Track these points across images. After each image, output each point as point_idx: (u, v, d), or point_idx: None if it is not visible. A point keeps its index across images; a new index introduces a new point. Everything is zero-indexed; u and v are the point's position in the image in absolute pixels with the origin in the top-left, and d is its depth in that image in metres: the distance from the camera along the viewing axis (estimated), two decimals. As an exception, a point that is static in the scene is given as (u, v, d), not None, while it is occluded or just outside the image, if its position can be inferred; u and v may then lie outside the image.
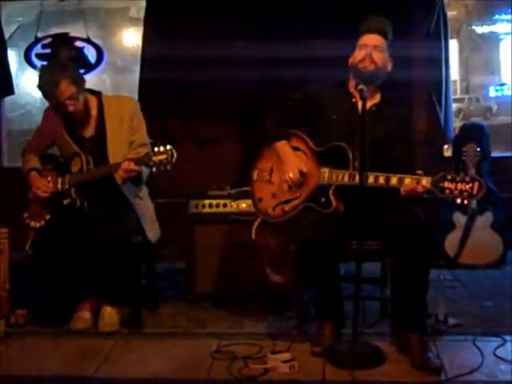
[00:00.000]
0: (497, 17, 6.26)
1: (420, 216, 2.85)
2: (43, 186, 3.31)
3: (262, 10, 4.62)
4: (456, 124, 5.35)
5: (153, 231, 3.41)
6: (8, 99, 5.24)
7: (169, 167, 3.01)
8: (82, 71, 3.78)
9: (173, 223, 3.48)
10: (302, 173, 2.99)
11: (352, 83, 2.99)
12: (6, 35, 5.00)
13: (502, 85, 6.74)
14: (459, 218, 4.35)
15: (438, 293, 3.44)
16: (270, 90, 4.46)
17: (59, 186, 3.30)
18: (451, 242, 4.34)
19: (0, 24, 4.93)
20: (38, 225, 3.31)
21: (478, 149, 4.40)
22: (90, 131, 3.34)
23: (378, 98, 3.03)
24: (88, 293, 3.30)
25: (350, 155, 2.88)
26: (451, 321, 3.14)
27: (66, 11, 5.20)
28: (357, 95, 2.91)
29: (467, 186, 2.59)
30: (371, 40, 2.95)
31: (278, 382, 2.64)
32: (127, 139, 3.31)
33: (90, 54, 5.08)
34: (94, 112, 3.34)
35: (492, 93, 7.06)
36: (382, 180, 2.78)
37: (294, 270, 3.06)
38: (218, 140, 4.89)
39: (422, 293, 2.84)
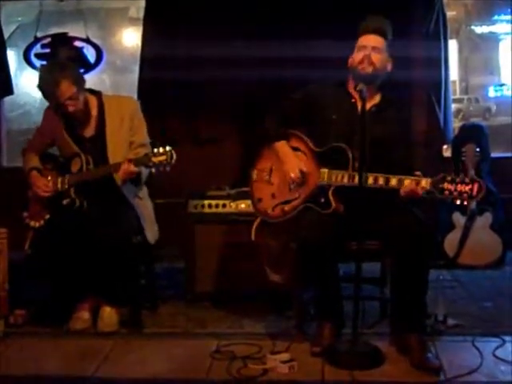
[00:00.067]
0: (496, 17, 6.26)
1: (419, 217, 2.85)
2: (44, 185, 3.31)
3: (261, 10, 4.62)
4: (455, 124, 5.35)
5: (152, 232, 3.41)
6: (7, 99, 5.24)
7: (168, 168, 3.01)
8: (81, 71, 3.78)
9: (172, 223, 3.48)
10: (302, 172, 2.99)
11: (351, 84, 2.99)
12: (6, 35, 4.99)
13: (502, 85, 6.75)
14: (459, 219, 4.35)
15: (438, 293, 3.44)
16: (270, 90, 4.46)
17: (59, 186, 3.30)
18: (450, 242, 4.35)
19: (0, 24, 4.93)
20: (37, 224, 3.31)
21: (478, 149, 4.40)
22: (90, 131, 3.34)
23: (377, 98, 3.03)
24: (87, 293, 3.29)
25: (350, 156, 2.88)
26: (450, 321, 3.14)
27: (66, 11, 5.20)
28: (356, 96, 2.92)
29: (467, 188, 2.59)
30: (370, 41, 2.95)
31: (277, 382, 2.65)
32: (127, 139, 3.31)
33: (90, 54, 5.08)
34: (94, 112, 3.34)
35: (491, 93, 7.06)
36: (381, 181, 2.78)
37: (293, 269, 3.06)
38: (217, 140, 4.89)
39: (422, 293, 2.85)
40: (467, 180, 2.61)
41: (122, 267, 3.19)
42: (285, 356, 2.75)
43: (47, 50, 5.07)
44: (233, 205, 3.62)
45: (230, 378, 2.66)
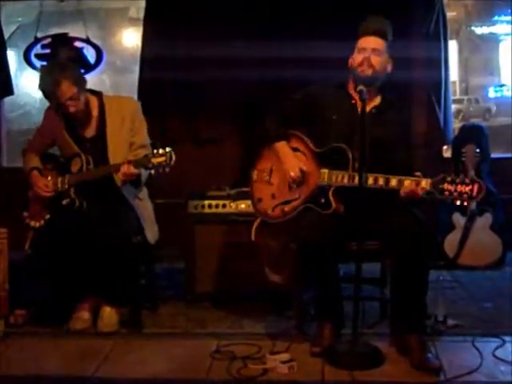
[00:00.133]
0: (496, 18, 6.25)
1: (419, 217, 2.85)
2: (44, 185, 3.31)
3: (261, 10, 4.62)
4: (455, 125, 5.35)
5: (152, 232, 3.41)
6: (7, 99, 5.24)
7: (168, 169, 3.00)
8: (81, 71, 3.77)
9: (172, 223, 3.48)
10: (302, 172, 2.99)
11: (352, 85, 2.99)
12: (6, 35, 5.00)
13: (502, 86, 6.74)
14: (459, 219, 4.35)
15: (438, 294, 3.45)
16: (270, 90, 4.46)
17: (59, 186, 3.30)
18: (450, 242, 4.35)
19: (0, 24, 4.93)
20: (37, 224, 3.31)
21: (478, 150, 4.40)
22: (90, 131, 3.34)
23: (378, 100, 3.03)
24: (87, 293, 3.29)
25: (350, 156, 2.88)
26: (450, 321, 3.14)
27: (66, 11, 5.20)
28: (356, 96, 2.92)
29: (467, 188, 2.59)
30: (370, 43, 2.94)
31: (276, 382, 2.65)
32: (128, 140, 3.31)
33: (90, 55, 5.08)
34: (94, 112, 3.34)
35: (491, 94, 7.06)
36: (381, 181, 2.78)
37: (293, 270, 3.06)
38: (217, 140, 4.89)
39: (422, 294, 2.85)
40: (467, 181, 2.61)
41: (121, 267, 3.19)
42: (285, 356, 2.75)
43: (47, 51, 5.07)
44: (233, 205, 3.62)
45: (230, 378, 2.66)
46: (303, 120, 3.10)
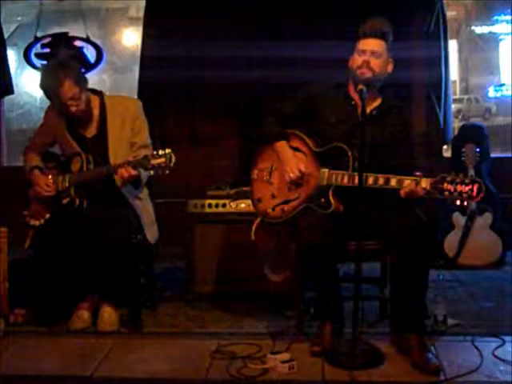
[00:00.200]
0: (496, 17, 6.26)
1: (419, 216, 2.85)
2: (45, 184, 3.30)
3: (261, 10, 4.62)
4: (455, 124, 5.36)
5: (152, 232, 3.41)
6: (7, 99, 5.24)
7: (167, 171, 2.98)
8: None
9: (172, 223, 3.48)
10: (302, 172, 2.99)
11: (352, 86, 2.99)
12: (6, 34, 5.00)
13: (502, 85, 6.75)
14: (458, 219, 4.35)
15: (438, 293, 3.45)
16: (270, 90, 4.46)
17: (59, 185, 3.30)
18: (450, 242, 4.35)
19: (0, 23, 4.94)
20: (37, 223, 3.31)
21: (478, 149, 4.39)
22: (91, 131, 3.34)
23: (378, 101, 3.02)
24: (87, 292, 3.29)
25: (350, 156, 2.87)
26: (450, 321, 3.14)
27: (66, 11, 5.22)
28: (356, 97, 2.92)
29: (467, 188, 2.59)
30: (369, 45, 2.92)
31: (276, 382, 2.64)
32: (128, 140, 3.31)
33: (90, 54, 5.09)
34: (95, 112, 3.33)
35: (491, 93, 7.07)
36: (381, 181, 2.77)
37: (292, 269, 3.06)
38: (217, 140, 4.89)
39: (422, 293, 2.85)
40: (467, 180, 2.60)
41: (121, 267, 3.18)
42: (285, 356, 2.75)
43: (47, 50, 5.07)
44: (233, 205, 3.62)
45: (230, 377, 2.66)
46: (303, 120, 3.10)
